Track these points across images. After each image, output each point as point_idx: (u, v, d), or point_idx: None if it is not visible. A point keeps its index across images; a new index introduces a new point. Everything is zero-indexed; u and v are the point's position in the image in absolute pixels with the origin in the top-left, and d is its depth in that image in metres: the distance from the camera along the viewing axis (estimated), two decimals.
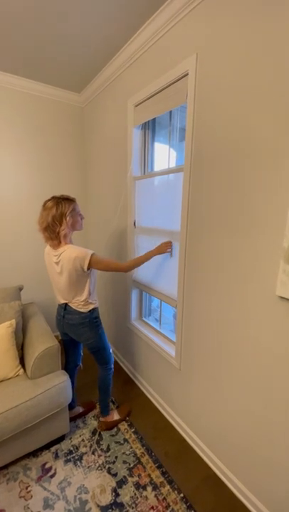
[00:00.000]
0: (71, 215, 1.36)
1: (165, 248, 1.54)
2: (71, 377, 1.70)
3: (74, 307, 1.45)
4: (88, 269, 1.36)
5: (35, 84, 2.17)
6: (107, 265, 1.43)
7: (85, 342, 1.51)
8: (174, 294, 1.61)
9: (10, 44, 1.67)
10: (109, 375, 1.64)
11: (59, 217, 1.32)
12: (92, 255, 1.33)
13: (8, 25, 1.49)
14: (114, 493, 1.32)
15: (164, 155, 1.81)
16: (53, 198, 1.38)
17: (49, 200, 1.38)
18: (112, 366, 1.65)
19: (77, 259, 1.31)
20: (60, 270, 1.37)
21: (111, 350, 1.63)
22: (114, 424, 1.70)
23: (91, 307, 1.47)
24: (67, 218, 1.34)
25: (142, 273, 1.94)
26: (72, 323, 1.47)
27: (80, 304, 1.44)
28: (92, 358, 1.61)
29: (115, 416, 1.73)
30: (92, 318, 1.48)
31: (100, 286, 2.49)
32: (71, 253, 1.32)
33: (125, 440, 1.61)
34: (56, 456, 1.50)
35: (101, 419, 1.71)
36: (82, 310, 1.45)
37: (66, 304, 1.47)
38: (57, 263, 1.38)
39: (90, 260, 1.33)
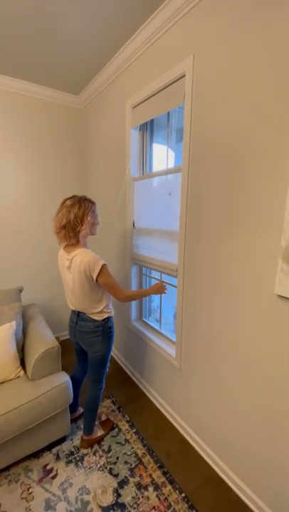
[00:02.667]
0: (91, 216, 1.34)
1: (162, 289, 1.54)
2: (78, 381, 1.69)
3: (88, 314, 1.40)
4: (96, 280, 1.29)
5: (34, 86, 2.18)
6: (112, 284, 1.33)
7: (93, 353, 1.43)
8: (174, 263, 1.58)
9: (8, 46, 1.68)
10: (100, 395, 1.54)
11: (81, 215, 1.29)
12: (103, 265, 1.28)
13: (7, 28, 1.50)
14: (115, 494, 1.32)
15: (163, 156, 1.82)
16: (75, 196, 1.35)
17: (70, 198, 1.34)
18: (103, 386, 1.56)
19: (88, 265, 1.26)
20: (72, 275, 1.32)
21: (108, 369, 1.55)
22: (98, 440, 1.60)
23: (106, 316, 1.41)
24: (89, 218, 1.31)
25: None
26: (84, 330, 1.41)
27: (93, 312, 1.38)
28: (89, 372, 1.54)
29: (99, 432, 1.62)
30: (106, 328, 1.41)
31: None
32: (84, 257, 1.27)
33: (126, 441, 1.61)
34: (57, 458, 1.50)
35: (84, 437, 1.57)
36: (96, 318, 1.39)
37: (79, 311, 1.42)
38: (68, 267, 1.33)
39: (101, 270, 1.27)
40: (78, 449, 1.56)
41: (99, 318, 1.40)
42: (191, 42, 1.24)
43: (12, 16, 1.39)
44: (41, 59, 1.81)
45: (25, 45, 1.65)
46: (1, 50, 1.70)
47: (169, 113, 1.63)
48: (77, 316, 1.43)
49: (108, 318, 1.43)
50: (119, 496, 1.31)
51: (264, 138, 1.00)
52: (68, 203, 1.31)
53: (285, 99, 0.92)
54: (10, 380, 1.50)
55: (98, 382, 1.52)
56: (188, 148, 1.33)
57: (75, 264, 1.29)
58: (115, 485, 1.36)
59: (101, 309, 1.38)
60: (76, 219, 1.28)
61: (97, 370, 1.49)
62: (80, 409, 1.79)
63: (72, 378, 1.65)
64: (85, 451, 1.54)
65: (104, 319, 1.41)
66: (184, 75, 1.29)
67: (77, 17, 1.40)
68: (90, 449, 1.55)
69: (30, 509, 1.25)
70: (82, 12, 1.37)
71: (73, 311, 1.48)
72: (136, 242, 1.98)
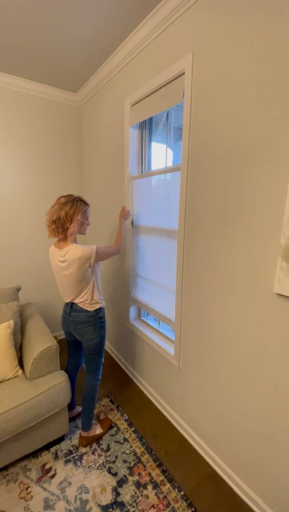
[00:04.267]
0: (82, 216, 1.40)
1: (125, 213, 1.77)
2: (72, 377, 1.70)
3: (81, 306, 1.45)
4: (94, 263, 1.41)
5: (31, 83, 2.16)
6: (109, 254, 1.50)
7: (86, 342, 1.48)
8: (172, 315, 1.64)
9: (5, 43, 1.66)
10: (96, 385, 1.58)
11: (72, 214, 1.36)
12: (96, 251, 1.38)
13: (5, 25, 1.48)
14: (114, 493, 1.32)
15: (161, 154, 1.82)
16: (70, 195, 1.41)
17: (65, 196, 1.41)
18: (100, 377, 1.60)
19: (83, 258, 1.34)
20: (66, 269, 1.38)
21: (103, 359, 1.58)
22: (96, 438, 1.60)
23: (98, 306, 1.47)
24: (79, 217, 1.38)
25: (141, 287, 1.94)
26: (77, 320, 1.46)
27: (86, 302, 1.44)
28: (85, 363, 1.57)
29: (97, 430, 1.62)
30: (97, 318, 1.47)
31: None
32: (76, 252, 1.33)
33: (125, 439, 1.61)
34: (56, 457, 1.50)
35: (82, 434, 1.58)
36: (88, 308, 1.45)
37: (72, 303, 1.47)
38: (62, 262, 1.38)
39: (96, 256, 1.38)
40: (77, 448, 1.55)
41: (91, 308, 1.45)
42: (190, 39, 1.24)
43: (12, 14, 1.38)
44: (39, 56, 1.79)
45: (22, 42, 1.63)
46: None
47: (168, 111, 1.62)
48: (71, 307, 1.48)
49: (100, 309, 1.49)
50: (118, 494, 1.31)
51: (264, 136, 0.99)
52: (62, 200, 1.38)
53: (286, 96, 0.91)
54: (8, 379, 1.49)
55: (95, 372, 1.56)
56: (187, 146, 1.32)
57: (69, 259, 1.34)
58: (114, 484, 1.36)
59: (92, 296, 1.44)
60: (66, 216, 1.35)
61: (93, 360, 1.53)
62: (78, 408, 1.79)
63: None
64: (83, 450, 1.54)
65: (96, 310, 1.46)
66: (184, 73, 1.29)
67: (76, 14, 1.39)
68: (88, 448, 1.55)
69: (29, 508, 1.25)
70: (81, 9, 1.35)
71: (66, 304, 1.52)
72: (136, 241, 1.97)
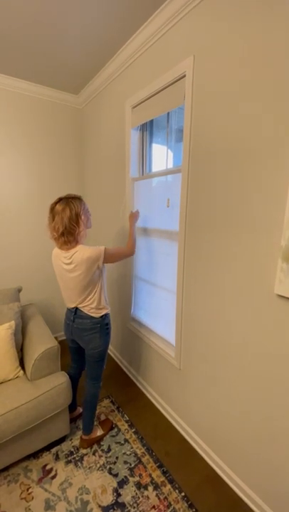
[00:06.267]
0: (84, 213, 1.32)
1: (135, 217, 1.69)
2: (74, 379, 1.68)
3: (86, 311, 1.39)
4: (102, 264, 1.35)
5: (33, 85, 2.17)
6: (120, 255, 1.45)
7: (91, 350, 1.43)
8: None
9: (7, 45, 1.67)
10: (98, 392, 1.55)
11: (75, 218, 1.28)
12: (105, 251, 1.31)
13: (6, 27, 1.49)
14: (115, 493, 1.32)
15: (162, 156, 1.83)
16: (61, 199, 1.31)
17: (57, 202, 1.31)
18: (101, 383, 1.57)
19: (91, 259, 1.28)
20: (72, 272, 1.31)
21: (104, 365, 1.55)
22: (97, 440, 1.59)
23: (104, 312, 1.41)
24: (82, 217, 1.30)
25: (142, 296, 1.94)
26: (81, 327, 1.41)
27: (91, 308, 1.38)
28: (87, 370, 1.53)
29: (98, 432, 1.61)
30: (103, 325, 1.42)
31: None
32: (84, 254, 1.27)
33: (126, 440, 1.61)
34: (57, 458, 1.50)
35: (83, 437, 1.56)
36: (94, 315, 1.39)
37: (77, 308, 1.41)
38: (68, 264, 1.31)
39: (105, 257, 1.32)
40: (78, 449, 1.56)
41: (97, 315, 1.40)
42: (191, 42, 1.25)
43: (13, 15, 1.39)
44: (41, 58, 1.80)
45: (24, 44, 1.64)
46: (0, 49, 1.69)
47: (168, 113, 1.63)
48: (74, 313, 1.42)
49: (105, 315, 1.43)
50: (119, 495, 1.32)
51: (264, 138, 1.00)
52: (58, 208, 1.28)
53: (285, 99, 0.92)
54: (9, 380, 1.50)
55: (96, 379, 1.53)
56: (188, 148, 1.33)
57: (77, 260, 1.28)
58: (115, 484, 1.36)
59: (98, 301, 1.38)
60: (71, 223, 1.27)
61: (95, 367, 1.50)
62: (79, 409, 1.79)
63: (69, 377, 1.65)
64: (84, 451, 1.54)
65: (102, 316, 1.41)
66: (184, 75, 1.30)
67: (78, 17, 1.40)
68: (89, 449, 1.55)
69: (29, 509, 1.25)
70: (83, 11, 1.36)
71: (70, 309, 1.47)
72: (136, 243, 1.97)
